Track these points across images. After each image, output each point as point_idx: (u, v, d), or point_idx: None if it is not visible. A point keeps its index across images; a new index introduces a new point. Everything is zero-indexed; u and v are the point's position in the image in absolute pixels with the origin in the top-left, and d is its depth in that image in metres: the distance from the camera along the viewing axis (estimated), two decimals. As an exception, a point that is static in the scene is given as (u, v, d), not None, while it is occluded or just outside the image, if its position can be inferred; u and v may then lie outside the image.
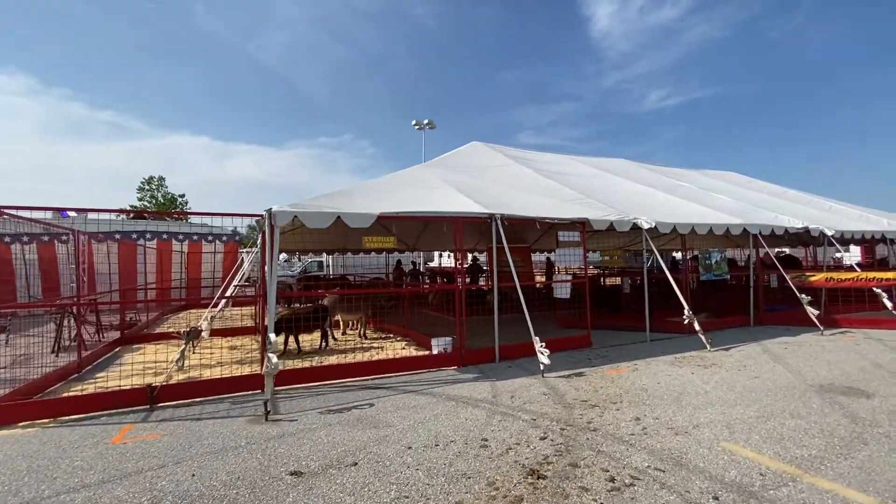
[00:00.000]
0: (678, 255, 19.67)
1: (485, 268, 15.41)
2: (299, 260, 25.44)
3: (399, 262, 17.28)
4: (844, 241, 11.54)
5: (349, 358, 6.90)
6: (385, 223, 6.67)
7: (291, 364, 6.44)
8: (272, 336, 4.65)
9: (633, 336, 8.20)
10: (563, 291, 7.66)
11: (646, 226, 7.84)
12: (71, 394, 5.23)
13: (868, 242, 12.25)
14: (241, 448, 3.66)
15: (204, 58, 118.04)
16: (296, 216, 5.48)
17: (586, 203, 8.53)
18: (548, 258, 16.37)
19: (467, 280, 17.34)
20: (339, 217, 5.64)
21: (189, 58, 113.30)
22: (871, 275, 8.83)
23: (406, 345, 8.08)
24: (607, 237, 14.62)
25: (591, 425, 3.93)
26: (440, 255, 27.15)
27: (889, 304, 8.76)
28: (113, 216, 14.07)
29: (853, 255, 17.89)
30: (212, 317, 8.04)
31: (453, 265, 25.02)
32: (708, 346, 6.99)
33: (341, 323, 9.66)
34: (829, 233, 10.08)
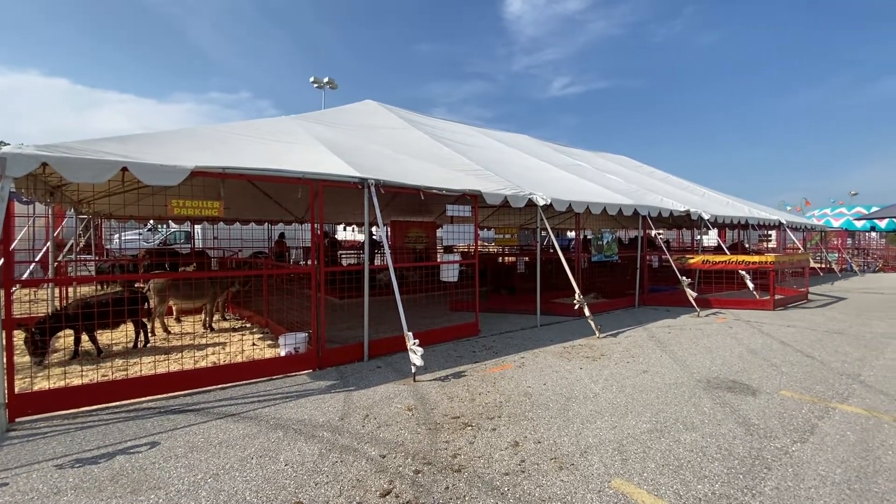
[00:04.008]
0: (572, 234, 20.25)
1: (382, 243, 13.92)
2: (166, 228, 21.48)
3: (282, 234, 15.12)
4: (717, 224, 12.34)
5: (172, 360, 5.21)
6: (211, 182, 4.97)
7: (80, 374, 4.59)
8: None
9: (525, 320, 7.61)
10: (450, 274, 6.68)
11: (541, 202, 7.14)
12: None
13: (736, 226, 13.33)
14: None
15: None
16: (46, 164, 3.61)
17: (482, 175, 7.59)
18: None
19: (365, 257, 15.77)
20: (125, 169, 3.88)
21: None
22: (740, 258, 9.29)
23: (262, 338, 6.55)
24: (508, 215, 14.15)
25: (456, 461, 2.95)
26: (347, 228, 24.54)
27: (751, 286, 9.39)
28: None
29: (711, 237, 19.81)
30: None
31: (357, 239, 23.05)
32: (597, 332, 6.58)
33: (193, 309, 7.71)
34: (706, 216, 10.53)
